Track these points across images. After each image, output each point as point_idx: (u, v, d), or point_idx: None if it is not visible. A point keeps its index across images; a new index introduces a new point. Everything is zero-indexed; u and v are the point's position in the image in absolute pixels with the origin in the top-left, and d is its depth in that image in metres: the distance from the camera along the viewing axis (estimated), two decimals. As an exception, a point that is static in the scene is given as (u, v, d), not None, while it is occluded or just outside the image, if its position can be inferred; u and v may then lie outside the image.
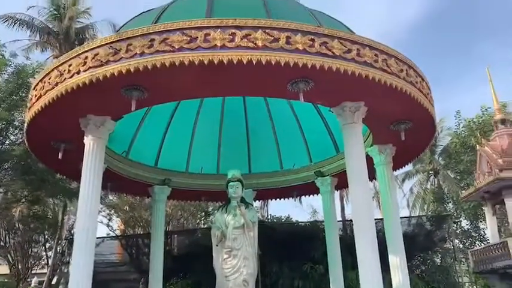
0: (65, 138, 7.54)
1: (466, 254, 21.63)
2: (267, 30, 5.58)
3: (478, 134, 20.12)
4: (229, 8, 6.46)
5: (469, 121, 26.05)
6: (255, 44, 5.50)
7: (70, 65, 6.13)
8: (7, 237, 22.95)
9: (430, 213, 28.57)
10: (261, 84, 6.25)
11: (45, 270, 23.42)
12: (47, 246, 24.47)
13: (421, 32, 65.52)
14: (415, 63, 6.84)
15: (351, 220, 11.52)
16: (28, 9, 23.09)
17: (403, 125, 7.51)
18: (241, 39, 5.50)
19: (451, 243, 16.97)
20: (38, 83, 6.83)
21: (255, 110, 11.20)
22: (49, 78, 6.47)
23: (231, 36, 5.50)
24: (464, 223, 27.08)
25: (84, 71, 5.91)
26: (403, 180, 34.11)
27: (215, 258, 7.70)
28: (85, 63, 5.94)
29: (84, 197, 6.69)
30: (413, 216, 20.39)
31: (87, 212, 6.64)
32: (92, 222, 6.71)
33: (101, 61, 5.80)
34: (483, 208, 19.84)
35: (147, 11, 7.58)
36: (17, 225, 21.80)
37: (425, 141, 8.49)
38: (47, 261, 22.92)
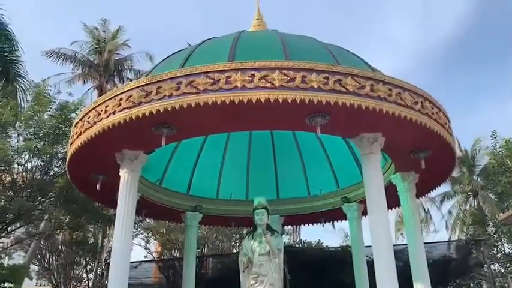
0: (103, 170, 8.16)
1: (507, 278, 20.83)
2: (283, 71, 6.01)
3: (514, 155, 19.61)
4: (250, 49, 6.97)
5: (506, 141, 25.40)
6: (273, 84, 5.93)
7: (106, 106, 6.77)
8: (51, 260, 24.10)
9: (470, 235, 27.76)
10: (279, 120, 6.67)
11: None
12: (87, 269, 25.46)
13: (458, 48, 64.55)
14: (430, 95, 7.07)
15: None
16: (72, 44, 24.78)
17: (422, 154, 7.68)
18: (260, 80, 5.95)
19: (489, 268, 16.50)
20: (78, 122, 7.53)
21: (281, 137, 11.58)
22: (88, 118, 7.13)
23: (250, 78, 5.97)
24: (507, 246, 26.15)
25: (119, 111, 6.52)
26: (442, 202, 33.29)
27: (242, 284, 7.97)
28: (120, 104, 6.56)
29: (120, 225, 7.23)
30: (445, 241, 19.95)
31: (122, 238, 7.17)
32: (127, 247, 7.23)
33: (134, 102, 6.40)
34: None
35: (176, 52, 8.20)
36: (60, 248, 22.86)
37: (448, 169, 8.59)
38: (88, 282, 23.79)
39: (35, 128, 11.69)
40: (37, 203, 11.64)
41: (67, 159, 8.05)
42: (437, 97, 7.15)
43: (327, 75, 6.08)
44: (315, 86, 5.97)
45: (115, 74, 25.12)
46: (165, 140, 6.79)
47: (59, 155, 11.33)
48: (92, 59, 24.68)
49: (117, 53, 25.57)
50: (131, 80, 25.80)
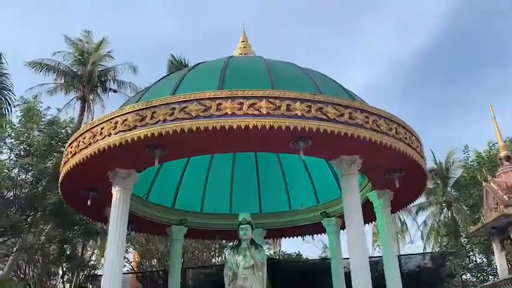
0: (94, 187, 8.50)
1: (477, 288, 21.71)
2: (270, 99, 6.54)
3: (484, 171, 20.54)
4: (239, 77, 7.49)
5: (477, 155, 26.49)
6: (260, 111, 6.45)
7: (102, 128, 7.16)
8: (27, 270, 23.88)
9: (444, 246, 28.68)
10: (265, 143, 7.19)
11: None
12: (64, 279, 25.29)
13: (433, 59, 66.68)
14: (404, 121, 7.71)
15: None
16: (54, 54, 24.88)
17: (396, 174, 8.30)
18: (248, 107, 6.47)
19: (460, 278, 17.30)
20: (73, 141, 7.87)
21: (264, 153, 12.08)
22: (83, 138, 7.50)
23: (239, 105, 6.47)
24: (478, 257, 27.10)
25: (115, 134, 6.92)
26: (417, 213, 34.14)
27: (228, 297, 8.41)
28: (115, 127, 6.96)
29: (112, 240, 7.57)
30: (420, 253, 20.76)
31: (115, 253, 7.50)
32: (119, 261, 7.59)
33: (129, 126, 6.81)
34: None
35: (168, 74, 8.64)
36: (36, 258, 22.71)
37: (419, 188, 9.25)
38: (65, 293, 23.66)
39: (26, 144, 11.91)
40: (25, 216, 11.81)
41: (60, 177, 8.36)
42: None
43: (309, 103, 6.64)
44: (299, 114, 6.52)
45: (98, 85, 25.32)
46: (158, 161, 7.22)
47: (48, 170, 11.56)
48: (75, 70, 24.83)
49: (100, 64, 25.80)
50: (114, 91, 26.10)
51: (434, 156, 32.99)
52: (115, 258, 7.46)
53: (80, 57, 24.91)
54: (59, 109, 15.44)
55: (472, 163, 26.87)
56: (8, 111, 12.75)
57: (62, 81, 24.69)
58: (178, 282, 11.52)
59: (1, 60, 15.63)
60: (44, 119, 12.74)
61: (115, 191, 7.89)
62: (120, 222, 7.71)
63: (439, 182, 32.94)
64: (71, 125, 13.29)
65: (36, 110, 12.55)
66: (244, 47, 11.14)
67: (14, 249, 15.37)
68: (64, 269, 23.79)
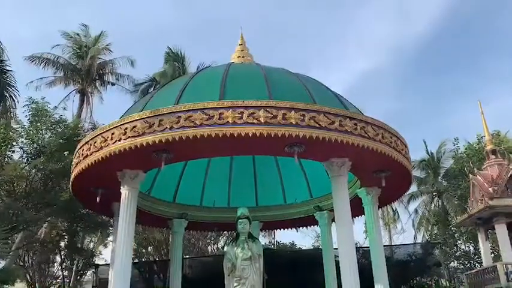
0: (103, 185, 9.17)
1: (463, 274, 22.65)
2: (267, 109, 7.20)
3: (471, 164, 21.32)
4: (239, 86, 8.12)
5: (467, 147, 27.28)
6: (259, 120, 7.12)
7: (113, 133, 7.79)
8: (26, 258, 24.53)
9: (433, 234, 29.61)
10: (263, 149, 7.90)
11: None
12: (63, 266, 26.00)
13: (431, 48, 67.33)
14: (389, 126, 8.42)
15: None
16: (53, 47, 25.29)
17: (383, 174, 9.01)
18: (248, 116, 7.13)
19: (446, 267, 18.20)
20: (84, 144, 8.51)
21: (261, 151, 12.75)
22: (94, 142, 8.14)
23: (240, 115, 7.13)
24: (465, 245, 28.06)
25: (125, 139, 7.57)
26: (409, 201, 34.85)
27: (227, 286, 9.03)
28: (125, 133, 7.60)
29: (121, 235, 8.25)
30: (408, 244, 21.64)
31: (123, 247, 8.19)
32: (128, 254, 8.24)
33: (138, 132, 7.46)
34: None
35: (171, 81, 9.25)
36: (35, 246, 23.35)
37: (405, 185, 10.01)
38: (63, 280, 24.36)
39: (37, 144, 12.50)
40: (36, 212, 12.46)
41: (72, 176, 9.02)
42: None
43: (303, 112, 7.31)
44: (294, 122, 7.19)
45: (97, 78, 25.78)
46: (164, 163, 7.87)
47: (57, 167, 12.17)
48: (74, 63, 25.25)
49: (98, 57, 26.22)
50: (113, 84, 26.56)
51: (426, 147, 33.80)
52: (125, 250, 8.15)
53: (78, 51, 25.30)
54: (64, 108, 16.00)
55: (462, 155, 27.69)
56: (12, 108, 13.28)
57: (61, 74, 25.10)
58: (180, 272, 12.25)
59: (3, 56, 16.05)
60: (51, 119, 13.30)
61: (124, 190, 8.55)
62: (129, 218, 8.39)
63: (430, 172, 33.72)
64: (78, 128, 13.90)
65: (45, 111, 13.13)
66: (242, 50, 11.73)
67: (17, 240, 16.02)
68: (62, 257, 24.53)
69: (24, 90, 22.18)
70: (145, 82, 26.44)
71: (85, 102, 24.63)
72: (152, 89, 25.49)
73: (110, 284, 9.44)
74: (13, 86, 15.51)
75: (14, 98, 15.41)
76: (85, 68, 24.72)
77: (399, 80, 70.08)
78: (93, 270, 17.67)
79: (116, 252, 8.31)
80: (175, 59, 26.20)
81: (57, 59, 24.75)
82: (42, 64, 24.06)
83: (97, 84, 26.03)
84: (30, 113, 13.16)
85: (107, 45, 26.59)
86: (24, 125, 13.06)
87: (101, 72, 26.13)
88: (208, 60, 26.73)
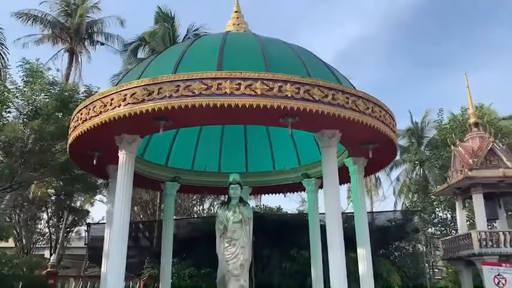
0: (100, 149, 9.43)
1: (439, 240, 23.77)
2: (264, 81, 7.45)
3: (453, 135, 21.95)
4: (236, 57, 8.30)
5: (450, 119, 27.97)
6: (255, 92, 7.38)
7: (112, 99, 7.98)
8: (13, 214, 24.78)
9: (413, 202, 30.68)
10: (258, 119, 8.20)
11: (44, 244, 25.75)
12: (50, 224, 26.41)
13: (424, 16, 67.13)
14: (379, 100, 8.76)
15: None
16: (40, 3, 24.68)
17: (370, 145, 9.44)
18: (245, 88, 7.38)
19: (423, 233, 19.13)
20: (82, 109, 8.69)
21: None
22: (93, 107, 8.32)
23: (238, 86, 7.37)
24: (443, 213, 29.23)
25: (124, 105, 7.77)
26: (391, 169, 35.65)
27: (218, 247, 9.52)
28: (125, 99, 7.79)
29: (119, 198, 8.60)
30: (390, 211, 22.50)
31: (121, 209, 8.54)
32: (126, 216, 8.60)
33: (138, 99, 7.66)
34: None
35: (167, 48, 9.36)
36: (21, 202, 23.55)
37: (390, 157, 10.50)
38: (50, 236, 24.85)
39: (33, 106, 12.53)
40: (32, 172, 12.67)
41: (70, 140, 9.25)
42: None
43: (298, 85, 7.59)
44: (289, 95, 7.48)
45: (86, 37, 25.38)
46: (162, 129, 8.14)
47: (53, 129, 12.27)
48: (62, 21, 24.75)
49: (87, 16, 25.73)
50: (102, 44, 26.20)
51: (411, 117, 34.47)
52: (123, 212, 8.52)
53: (66, 8, 24.76)
54: (58, 69, 15.89)
55: (445, 126, 28.38)
56: (5, 67, 13.18)
57: (49, 32, 24.64)
58: (171, 232, 12.75)
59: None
60: (46, 80, 13.27)
61: (121, 154, 8.82)
62: (126, 181, 8.71)
63: (414, 141, 34.50)
64: (73, 88, 13.89)
65: (40, 73, 13.07)
66: (238, 18, 11.77)
67: (7, 197, 16.27)
68: (49, 214, 24.89)
69: (11, 48, 21.87)
70: (135, 42, 26.09)
71: (74, 61, 24.33)
72: (142, 49, 25.28)
73: (106, 243, 9.93)
74: (2, 44, 15.29)
75: (3, 56, 15.22)
76: (74, 27, 24.30)
77: (390, 47, 70.10)
78: (86, 228, 18.12)
79: (114, 213, 8.66)
80: (165, 19, 25.81)
81: (45, 16, 24.24)
82: (29, 21, 23.55)
83: (86, 43, 25.64)
84: (24, 74, 13.15)
85: (96, 3, 26.07)
86: (19, 86, 13.05)
87: (90, 31, 25.70)
88: (199, 22, 26.46)
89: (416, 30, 67.68)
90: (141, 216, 24.28)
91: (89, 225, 18.31)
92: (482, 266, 15.66)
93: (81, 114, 8.65)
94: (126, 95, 7.81)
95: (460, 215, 20.69)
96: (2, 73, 13.67)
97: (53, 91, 13.01)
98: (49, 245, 24.61)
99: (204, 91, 7.36)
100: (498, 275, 15.46)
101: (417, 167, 34.14)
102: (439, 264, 28.89)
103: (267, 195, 15.64)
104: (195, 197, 26.73)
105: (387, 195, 41.98)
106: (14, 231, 24.94)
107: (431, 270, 24.22)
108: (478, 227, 17.05)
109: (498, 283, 15.31)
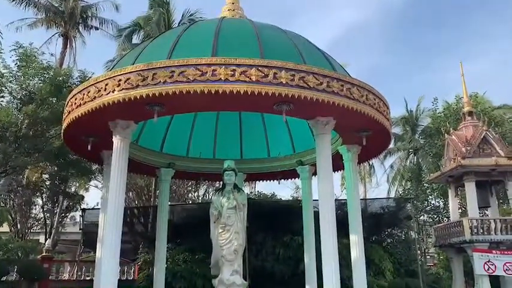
0: (94, 134, 9.41)
1: (431, 227, 24.06)
2: (259, 68, 7.44)
3: (447, 124, 22.06)
4: (231, 43, 8.26)
5: (445, 108, 28.09)
6: (250, 78, 7.37)
7: (106, 84, 7.94)
8: (7, 199, 24.78)
9: (406, 189, 30.94)
10: (253, 106, 8.20)
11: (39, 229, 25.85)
12: (44, 209, 26.45)
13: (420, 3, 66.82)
14: (373, 88, 8.78)
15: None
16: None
17: (364, 133, 9.48)
18: (240, 74, 7.36)
19: (416, 220, 19.34)
20: (76, 94, 8.65)
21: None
22: (88, 92, 8.28)
23: (232, 72, 7.35)
24: (436, 200, 29.52)
25: (119, 91, 7.74)
26: (385, 157, 35.81)
27: (212, 232, 9.62)
28: (119, 84, 7.76)
29: (114, 183, 8.61)
30: (383, 198, 22.69)
31: (116, 194, 8.58)
32: (120, 201, 8.64)
33: (132, 85, 7.63)
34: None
35: (162, 33, 9.29)
36: (16, 188, 23.52)
37: (384, 145, 10.57)
38: (45, 221, 24.90)
39: (27, 91, 12.45)
40: (26, 157, 12.64)
41: (64, 125, 9.21)
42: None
43: (293, 72, 7.58)
44: (284, 82, 7.47)
45: (80, 21, 25.11)
46: (156, 115, 8.13)
47: (47, 114, 12.22)
48: (56, 5, 24.45)
49: (81, 0, 25.43)
50: (96, 29, 25.95)
51: (406, 105, 34.55)
52: (117, 197, 8.56)
53: (60, -9, 24.46)
54: (52, 54, 15.75)
55: (440, 114, 28.50)
56: None
57: (43, 15, 24.34)
58: (166, 218, 12.82)
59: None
60: (40, 65, 13.16)
61: (116, 140, 8.82)
62: (121, 167, 8.73)
63: (408, 129, 34.66)
64: (67, 73, 13.77)
65: (33, 57, 12.95)
66: (233, 3, 11.67)
67: (1, 181, 16.24)
68: (44, 199, 24.91)
69: (4, 32, 21.62)
70: (129, 27, 25.85)
71: (68, 46, 24.10)
72: (136, 34, 25.08)
73: (101, 228, 9.98)
74: (-6, 26, 15.07)
75: (-4, 39, 15.01)
76: (68, 11, 23.99)
77: (386, 33, 69.86)
78: (81, 214, 18.19)
79: (108, 199, 8.70)
80: (160, 5, 25.55)
81: (39, -1, 23.93)
82: (22, 4, 23.24)
83: (80, 28, 25.38)
84: (17, 58, 13.03)
85: (91, -14, 25.72)
86: (13, 70, 12.95)
87: (84, 15, 25.42)
88: (194, 7, 26.21)
89: (411, 18, 67.41)
90: (136, 202, 24.33)
91: (83, 210, 18.34)
92: (473, 253, 15.93)
93: (76, 99, 8.61)
94: (120, 80, 7.78)
95: (453, 203, 20.88)
96: None
97: (47, 76, 12.94)
98: (44, 230, 24.73)
99: (199, 77, 7.34)
100: (488, 261, 15.77)
101: (411, 155, 34.37)
102: (430, 251, 29.32)
103: (261, 181, 15.73)
104: (190, 183, 26.78)
105: (381, 183, 42.32)
106: (9, 216, 25.07)
107: (422, 257, 24.60)
108: (470, 214, 17.24)
109: (488, 269, 15.63)
